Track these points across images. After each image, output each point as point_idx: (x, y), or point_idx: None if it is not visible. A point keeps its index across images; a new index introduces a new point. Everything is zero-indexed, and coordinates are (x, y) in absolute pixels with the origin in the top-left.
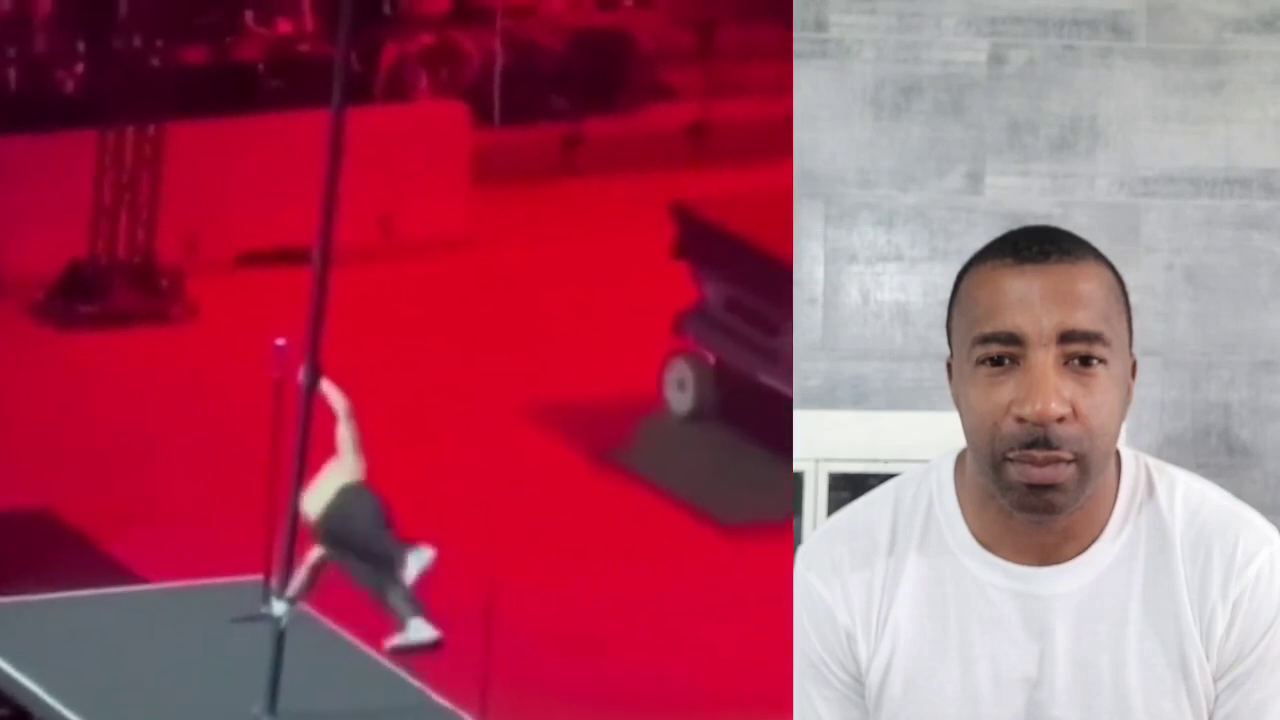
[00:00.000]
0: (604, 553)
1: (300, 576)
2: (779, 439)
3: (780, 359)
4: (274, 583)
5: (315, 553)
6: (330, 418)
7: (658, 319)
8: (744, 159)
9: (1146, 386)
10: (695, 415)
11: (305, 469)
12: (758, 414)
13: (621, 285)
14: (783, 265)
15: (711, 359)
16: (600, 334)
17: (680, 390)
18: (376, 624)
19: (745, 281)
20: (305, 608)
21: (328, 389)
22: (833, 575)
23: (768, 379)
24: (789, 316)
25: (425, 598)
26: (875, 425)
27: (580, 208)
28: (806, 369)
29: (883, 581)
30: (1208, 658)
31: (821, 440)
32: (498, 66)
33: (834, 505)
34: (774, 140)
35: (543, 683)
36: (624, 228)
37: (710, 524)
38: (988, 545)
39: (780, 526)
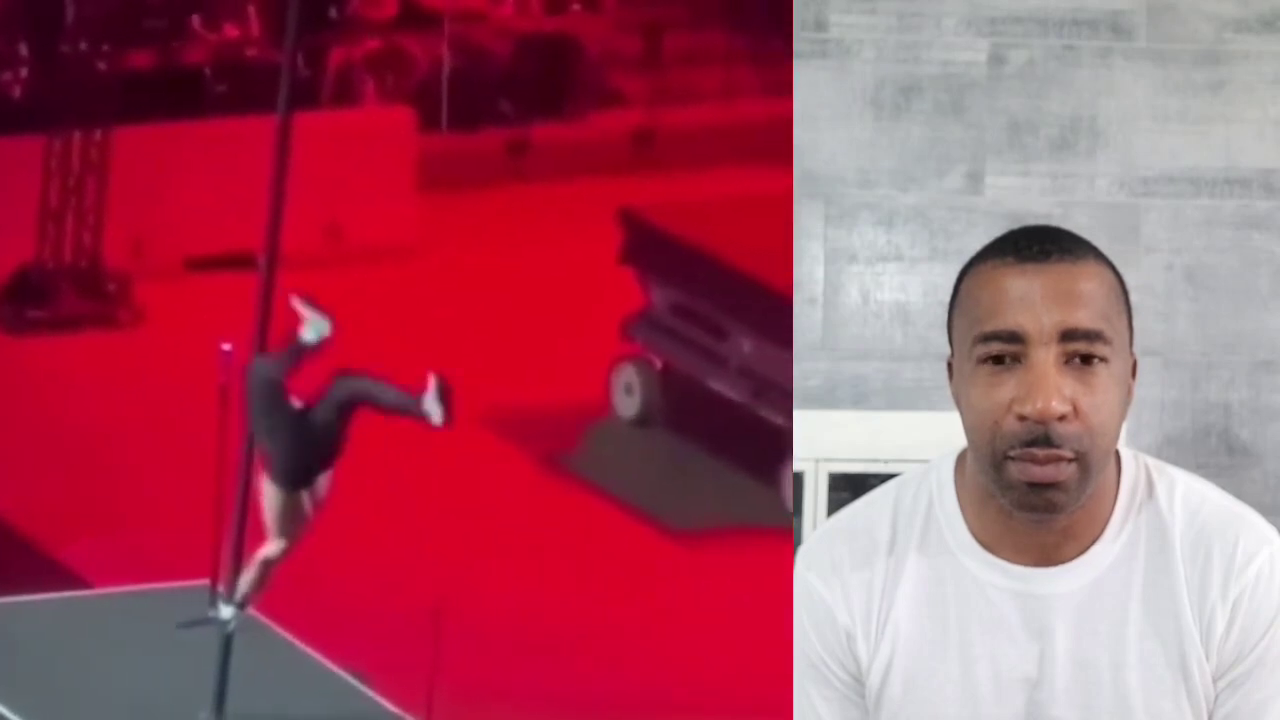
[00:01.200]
0: (551, 558)
1: (250, 574)
2: (727, 444)
3: (728, 363)
4: (221, 587)
5: (265, 550)
6: None
7: (605, 324)
8: (691, 164)
9: (1146, 386)
10: (642, 420)
11: (251, 473)
12: (706, 419)
13: (568, 291)
14: (732, 270)
15: (659, 364)
16: (547, 339)
17: (627, 395)
18: (326, 629)
19: (692, 286)
20: (253, 613)
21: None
22: (833, 575)
23: (715, 384)
24: (737, 320)
25: (373, 603)
26: (875, 425)
27: (527, 213)
28: (806, 369)
29: (883, 581)
30: (1207, 658)
31: (821, 440)
32: (445, 71)
33: (834, 505)
34: (723, 145)
35: (490, 689)
36: (571, 233)
37: (658, 530)
38: (988, 545)
39: (730, 532)
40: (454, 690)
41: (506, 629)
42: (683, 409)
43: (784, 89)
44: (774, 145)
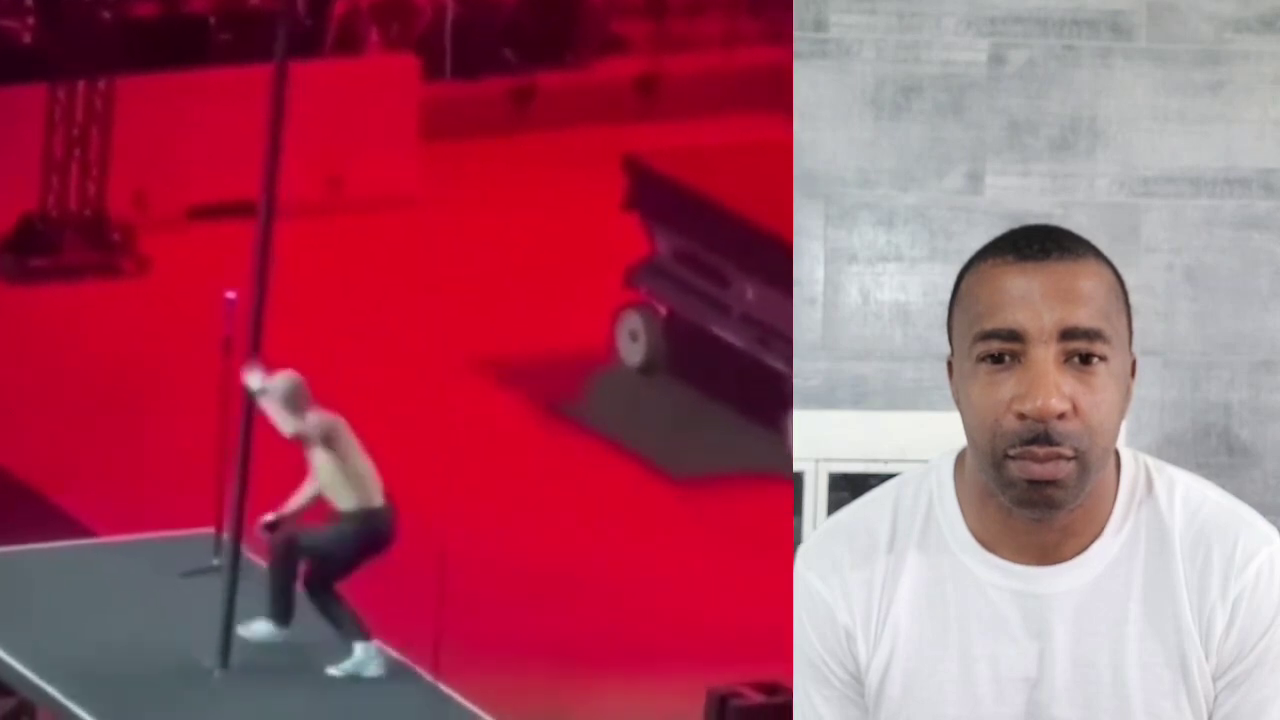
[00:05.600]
0: (556, 507)
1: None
2: (731, 390)
3: (731, 310)
4: (224, 535)
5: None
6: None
7: (609, 272)
8: (695, 111)
9: (1146, 386)
10: (647, 367)
11: (252, 423)
12: (710, 365)
13: (573, 238)
14: (735, 217)
15: (663, 310)
16: (552, 287)
17: (632, 342)
18: None
19: (696, 233)
20: (258, 562)
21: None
22: (832, 574)
23: (719, 330)
24: (740, 267)
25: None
26: (875, 425)
27: (531, 161)
28: (806, 369)
29: (883, 580)
30: (1207, 657)
31: (821, 440)
32: (448, 19)
33: (834, 505)
34: (725, 92)
35: (495, 637)
36: (575, 181)
37: (662, 476)
38: (987, 544)
39: (734, 478)
40: (458, 637)
41: (511, 577)
42: (687, 356)
43: (785, 38)
44: (776, 92)
